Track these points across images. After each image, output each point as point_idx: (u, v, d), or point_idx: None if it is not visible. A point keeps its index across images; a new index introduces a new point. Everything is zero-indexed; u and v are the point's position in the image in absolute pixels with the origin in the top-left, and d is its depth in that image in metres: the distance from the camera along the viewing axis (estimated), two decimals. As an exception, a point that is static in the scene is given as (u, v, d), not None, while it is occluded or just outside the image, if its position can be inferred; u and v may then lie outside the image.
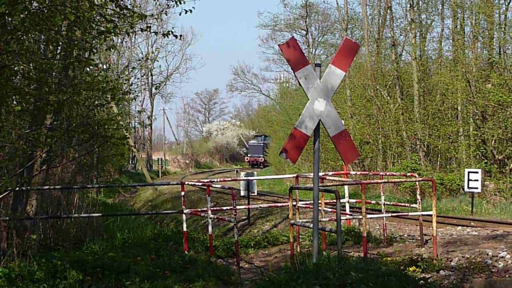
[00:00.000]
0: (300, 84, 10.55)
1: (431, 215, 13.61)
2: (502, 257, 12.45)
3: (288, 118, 51.03)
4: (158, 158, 79.28)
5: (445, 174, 32.10)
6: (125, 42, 58.47)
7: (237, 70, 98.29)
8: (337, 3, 48.80)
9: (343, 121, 11.81)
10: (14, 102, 13.13)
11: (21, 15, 10.94)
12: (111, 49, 13.87)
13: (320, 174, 15.25)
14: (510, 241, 14.50)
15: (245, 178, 22.85)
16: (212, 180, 16.86)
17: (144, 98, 78.71)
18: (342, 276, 8.55)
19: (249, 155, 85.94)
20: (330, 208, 16.67)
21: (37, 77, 12.38)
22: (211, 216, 14.11)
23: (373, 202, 18.74)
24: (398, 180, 21.10)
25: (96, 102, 16.23)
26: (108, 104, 17.46)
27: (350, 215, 16.71)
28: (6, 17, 11.19)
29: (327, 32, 65.80)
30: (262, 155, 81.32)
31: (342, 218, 12.51)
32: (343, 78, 11.23)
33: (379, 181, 16.61)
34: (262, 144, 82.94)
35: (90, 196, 26.97)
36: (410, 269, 11.46)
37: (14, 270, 11.39)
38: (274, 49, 77.26)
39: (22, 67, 12.32)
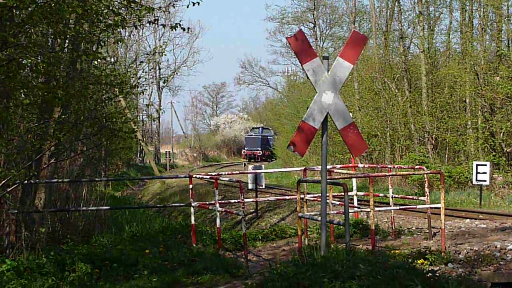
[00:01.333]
0: (307, 77, 10.52)
1: (439, 208, 13.59)
2: (511, 249, 12.43)
3: (296, 111, 51.00)
4: (166, 152, 79.39)
5: (453, 167, 32.07)
6: (133, 35, 58.60)
7: (245, 63, 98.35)
8: (345, -4, 48.55)
9: (351, 114, 11.80)
10: (22, 96, 13.16)
11: (29, 8, 10.95)
12: (119, 42, 13.87)
13: (328, 167, 15.24)
14: (518, 233, 14.48)
15: (253, 171, 22.88)
16: (220, 173, 16.87)
17: (152, 92, 78.84)
18: (350, 269, 8.53)
19: (246, 148, 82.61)
20: (338, 201, 16.66)
21: (45, 71, 12.40)
22: (219, 209, 14.12)
23: (381, 195, 18.71)
24: (406, 173, 21.06)
25: (104, 95, 16.24)
26: (116, 98, 17.47)
27: (358, 208, 16.69)
28: (14, 10, 11.20)
29: (335, 25, 65.58)
30: (260, 148, 79.10)
31: (350, 211, 12.51)
32: (351, 71, 11.19)
33: (387, 174, 16.57)
34: (260, 137, 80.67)
35: (98, 189, 27.04)
36: (418, 261, 11.45)
37: (22, 263, 11.43)
38: (282, 42, 77.15)
39: (30, 60, 12.34)
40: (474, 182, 23.84)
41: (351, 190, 17.17)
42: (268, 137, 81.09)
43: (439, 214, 13.63)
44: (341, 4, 64.77)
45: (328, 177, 12.26)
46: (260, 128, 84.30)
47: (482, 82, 31.80)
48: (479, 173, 23.27)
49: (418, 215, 19.72)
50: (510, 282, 11.22)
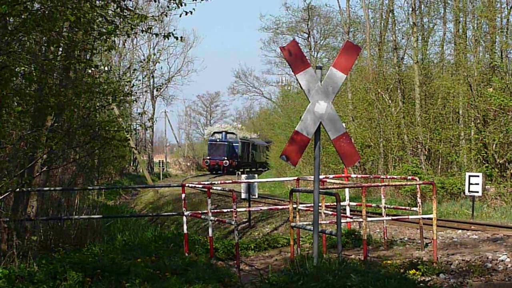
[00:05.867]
0: (301, 87, 10.54)
1: (431, 219, 13.60)
2: (502, 260, 12.44)
3: (290, 121, 51.10)
4: (159, 161, 79.34)
5: (446, 178, 32.10)
6: (127, 44, 58.62)
7: (239, 73, 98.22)
8: (339, 6, 48.73)
9: (344, 124, 11.81)
10: (15, 103, 13.14)
11: (22, 16, 10.95)
12: (111, 49, 13.85)
13: (321, 177, 15.24)
14: (510, 244, 14.49)
15: (246, 180, 22.86)
16: (213, 182, 16.88)
17: (145, 100, 79.06)
18: (342, 279, 8.54)
19: (208, 157, 69.50)
20: (331, 211, 16.66)
21: (38, 78, 12.39)
22: (212, 218, 14.11)
23: (373, 205, 18.72)
24: (399, 183, 21.05)
25: (97, 103, 16.23)
26: (109, 106, 17.46)
27: (351, 218, 16.70)
28: (7, 18, 11.20)
29: (329, 35, 65.85)
30: (226, 158, 68.20)
31: (342, 221, 12.52)
32: (344, 81, 11.22)
33: (380, 184, 16.56)
34: (226, 143, 69.72)
35: (91, 198, 27.05)
36: (410, 272, 11.46)
37: (14, 271, 11.37)
38: (276, 52, 77.29)
39: (23, 68, 12.32)
40: (467, 193, 23.85)
41: (344, 200, 17.17)
42: (234, 144, 71.83)
43: (432, 225, 13.64)
44: (335, 14, 64.86)
45: (320, 187, 12.26)
46: (224, 133, 72.92)
47: (475, 94, 31.87)
48: (471, 184, 23.28)
49: (411, 226, 19.72)
50: (502, 293, 11.22)
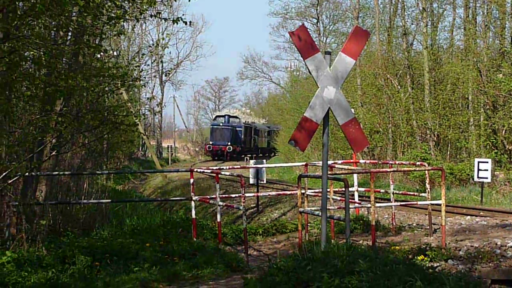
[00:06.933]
0: (310, 72, 10.51)
1: (440, 205, 13.59)
2: (511, 246, 12.43)
3: (298, 106, 50.97)
4: (168, 146, 79.45)
5: (455, 163, 32.03)
6: (136, 29, 58.58)
7: (248, 58, 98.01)
8: (349, -8, 48.44)
9: (353, 110, 11.79)
10: (24, 88, 13.16)
11: (32, 0, 10.95)
12: (120, 34, 13.85)
13: (329, 162, 15.23)
14: (519, 231, 14.48)
15: (255, 166, 22.86)
16: (221, 167, 16.88)
17: (154, 85, 79.09)
18: (350, 264, 8.53)
19: (211, 142, 65.68)
20: (339, 196, 16.66)
21: (47, 63, 12.40)
22: (220, 203, 14.12)
23: (382, 191, 18.70)
24: (408, 169, 21.05)
25: (106, 88, 16.24)
26: (118, 91, 17.46)
27: (359, 203, 16.70)
28: (17, 2, 11.20)
29: (338, 20, 65.57)
30: (229, 143, 64.56)
31: (350, 206, 12.51)
32: (353, 66, 11.19)
33: (388, 170, 16.55)
34: (229, 128, 65.92)
35: (100, 183, 27.05)
36: (419, 258, 11.46)
37: (23, 255, 11.45)
38: (285, 37, 77.08)
39: (32, 52, 12.33)
40: (476, 179, 23.81)
41: (352, 185, 17.17)
42: (237, 128, 68.07)
43: (440, 211, 13.63)
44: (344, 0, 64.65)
45: (329, 172, 12.26)
46: (226, 117, 68.82)
47: (484, 79, 31.75)
48: (480, 170, 23.23)
49: (419, 212, 19.71)
50: (510, 279, 11.23)
